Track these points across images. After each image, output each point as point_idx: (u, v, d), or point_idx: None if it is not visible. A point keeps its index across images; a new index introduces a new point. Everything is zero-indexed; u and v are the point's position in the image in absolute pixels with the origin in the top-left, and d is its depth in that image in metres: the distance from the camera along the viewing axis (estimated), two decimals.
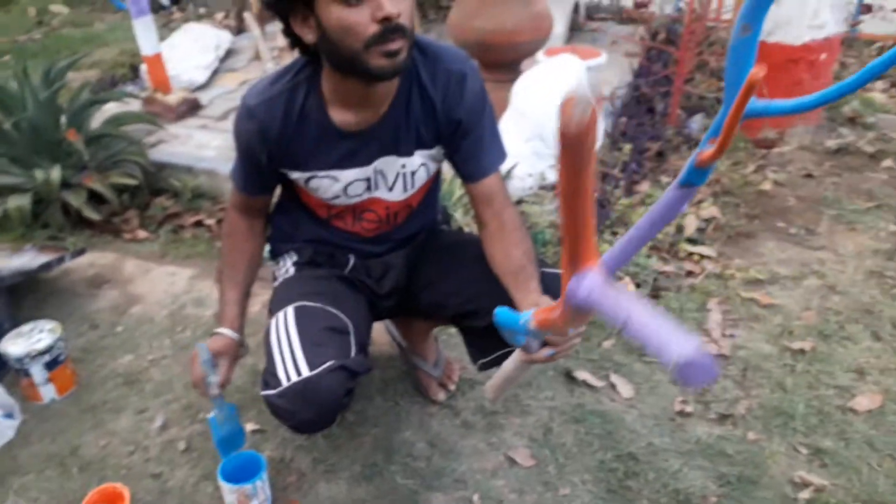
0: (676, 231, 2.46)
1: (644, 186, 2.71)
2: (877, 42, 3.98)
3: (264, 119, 1.28)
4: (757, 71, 0.63)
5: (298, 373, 1.21)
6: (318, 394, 1.21)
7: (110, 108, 2.97)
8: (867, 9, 3.36)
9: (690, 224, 2.50)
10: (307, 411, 1.23)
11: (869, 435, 1.67)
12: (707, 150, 0.73)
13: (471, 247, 1.43)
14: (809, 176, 2.85)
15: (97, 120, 2.77)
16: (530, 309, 1.12)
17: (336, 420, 1.32)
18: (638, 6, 3.57)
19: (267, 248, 1.57)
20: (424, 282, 1.53)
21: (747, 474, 1.58)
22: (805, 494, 1.53)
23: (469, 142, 1.35)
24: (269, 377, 1.25)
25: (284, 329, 1.29)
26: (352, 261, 1.52)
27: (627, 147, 2.77)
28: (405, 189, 1.41)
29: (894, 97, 3.43)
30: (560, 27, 3.84)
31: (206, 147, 2.91)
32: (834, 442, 1.65)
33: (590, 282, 0.78)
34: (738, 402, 1.77)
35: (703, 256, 2.37)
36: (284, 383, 1.22)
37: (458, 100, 1.30)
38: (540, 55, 2.94)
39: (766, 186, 2.76)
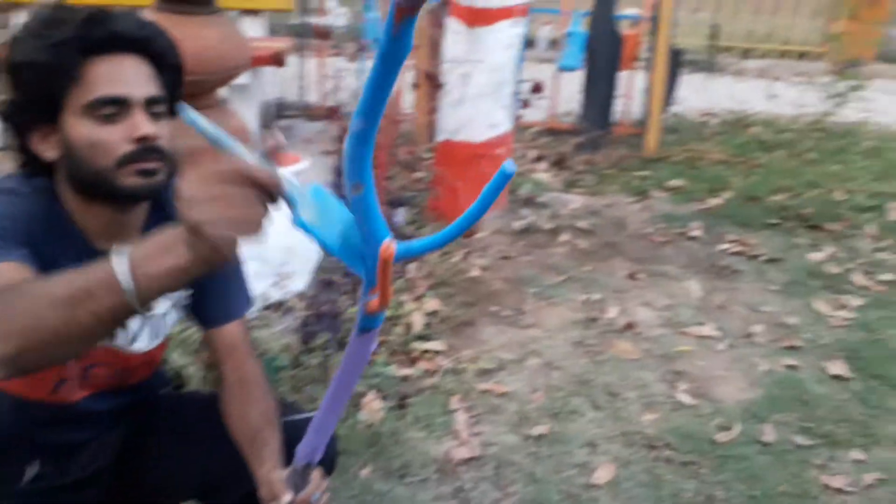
0: (406, 330, 2.51)
1: None
2: (534, 127, 4.63)
3: (23, 211, 1.04)
4: (388, 246, 0.71)
5: None
6: None
7: None
8: (525, 104, 3.88)
9: (417, 321, 2.57)
10: None
11: None
12: (372, 301, 0.77)
13: (207, 409, 1.27)
14: (507, 258, 3.14)
15: None
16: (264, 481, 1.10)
17: None
18: (331, 111, 3.66)
19: None
20: (151, 460, 1.31)
21: None
22: None
23: (214, 283, 1.22)
24: None
25: None
26: (34, 469, 1.24)
27: None
28: (153, 337, 1.24)
29: (557, 176, 3.99)
30: (252, 129, 3.78)
31: None
32: None
33: None
34: None
35: (435, 352, 2.44)
36: None
37: None
38: None
39: (475, 273, 2.98)
